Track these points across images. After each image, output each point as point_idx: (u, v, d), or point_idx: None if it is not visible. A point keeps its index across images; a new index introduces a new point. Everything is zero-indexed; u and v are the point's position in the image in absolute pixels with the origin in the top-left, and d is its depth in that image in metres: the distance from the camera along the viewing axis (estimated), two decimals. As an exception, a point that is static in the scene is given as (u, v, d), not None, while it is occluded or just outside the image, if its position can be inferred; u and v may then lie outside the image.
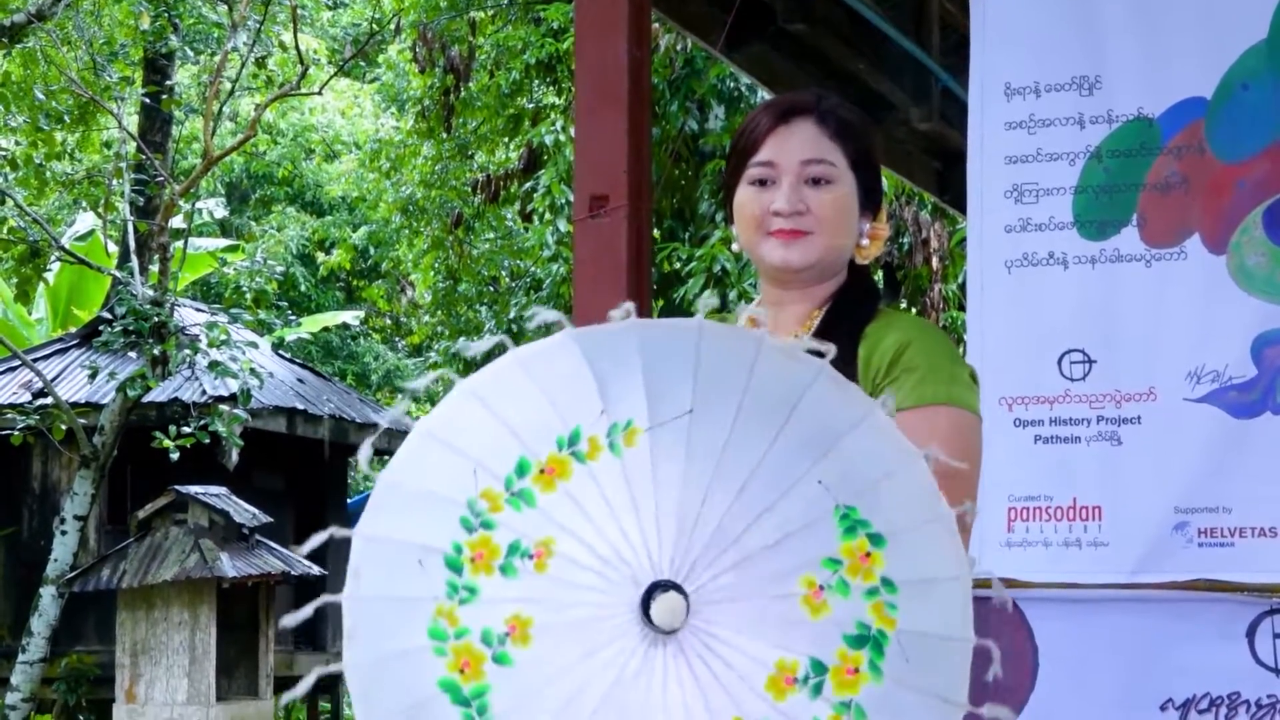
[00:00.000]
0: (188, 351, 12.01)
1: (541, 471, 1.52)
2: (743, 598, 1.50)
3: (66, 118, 13.06)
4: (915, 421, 2.02)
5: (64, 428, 12.20)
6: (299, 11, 13.67)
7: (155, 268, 12.30)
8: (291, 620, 1.63)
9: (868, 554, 1.52)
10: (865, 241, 2.32)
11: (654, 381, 1.54)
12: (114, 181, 13.09)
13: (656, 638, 1.49)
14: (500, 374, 1.59)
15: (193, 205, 14.11)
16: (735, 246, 2.35)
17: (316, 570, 12.92)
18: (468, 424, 1.56)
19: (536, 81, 14.48)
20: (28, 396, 13.24)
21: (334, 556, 15.71)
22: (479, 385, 1.58)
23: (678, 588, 1.49)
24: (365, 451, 1.63)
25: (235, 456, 12.69)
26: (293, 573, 12.39)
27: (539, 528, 1.51)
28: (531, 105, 14.80)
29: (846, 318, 2.26)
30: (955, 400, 2.16)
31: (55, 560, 12.29)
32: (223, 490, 12.50)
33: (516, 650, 1.49)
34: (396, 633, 1.53)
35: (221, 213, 23.09)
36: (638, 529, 1.51)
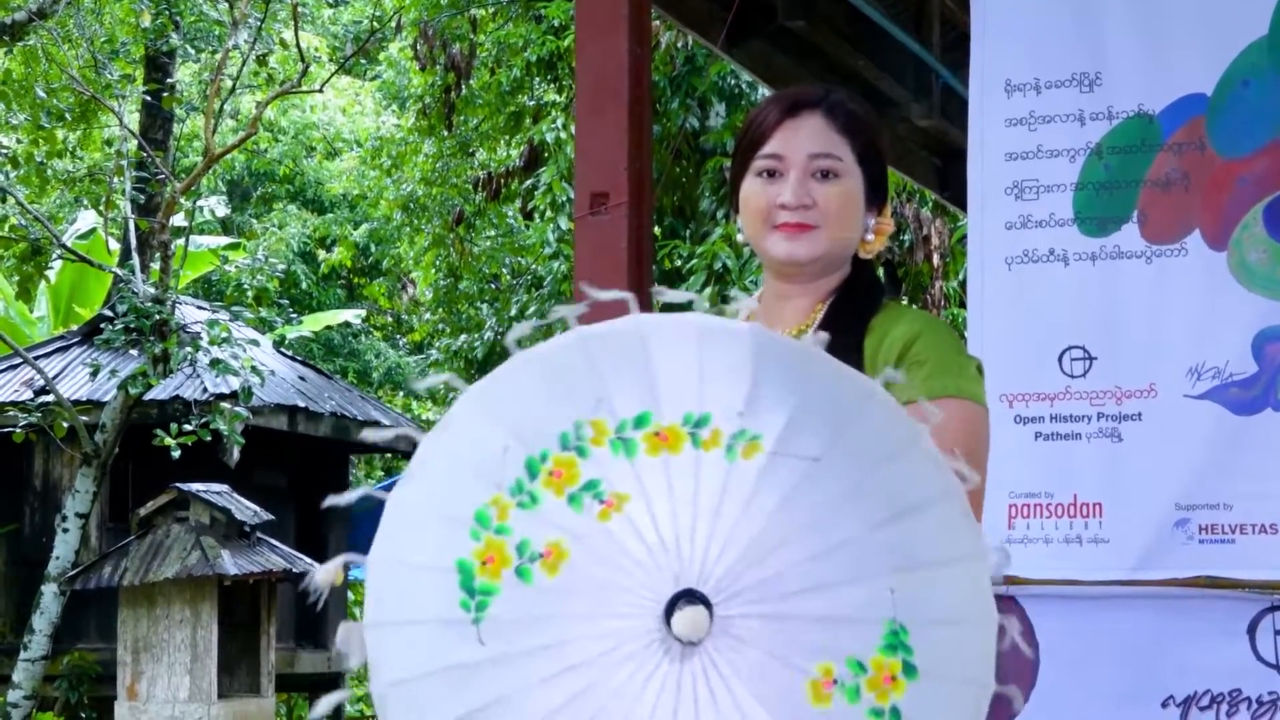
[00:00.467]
0: (189, 349, 12.00)
1: (656, 434, 1.51)
2: (759, 649, 1.49)
3: (68, 115, 13.06)
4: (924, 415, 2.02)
5: (65, 425, 12.20)
6: (300, 9, 13.67)
7: (157, 265, 12.29)
8: (337, 501, 1.62)
9: (893, 678, 1.50)
10: (870, 236, 2.31)
11: (802, 414, 1.52)
12: (115, 179, 13.09)
13: (665, 638, 1.48)
14: (672, 328, 1.57)
15: (194, 203, 14.12)
16: (740, 238, 2.35)
17: (318, 568, 12.90)
18: (618, 356, 1.55)
19: (537, 79, 14.47)
20: (29, 394, 13.23)
21: (335, 554, 15.70)
22: (648, 327, 1.57)
23: (710, 606, 1.47)
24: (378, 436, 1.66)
25: (236, 454, 12.69)
26: (294, 570, 12.40)
27: (623, 481, 1.50)
28: (532, 103, 14.80)
29: (851, 311, 2.26)
30: (964, 393, 2.16)
31: (57, 558, 12.29)
32: (224, 488, 12.49)
33: (540, 574, 1.48)
34: (448, 496, 1.53)
35: (223, 210, 23.10)
36: (706, 535, 1.49)
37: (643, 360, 1.54)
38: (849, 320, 2.22)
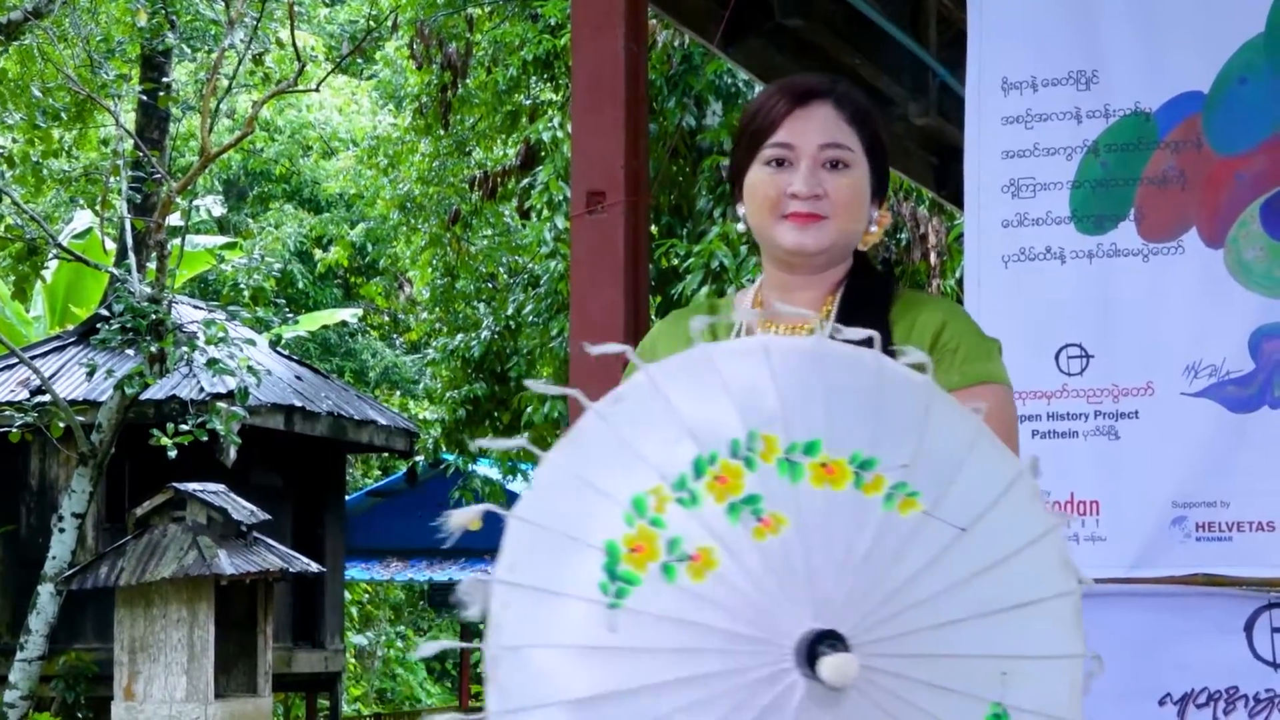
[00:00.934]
0: (185, 349, 12.00)
1: (823, 465, 1.50)
2: (871, 701, 1.49)
3: (64, 115, 13.06)
4: (965, 402, 2.03)
5: (62, 425, 12.20)
6: (296, 8, 13.66)
7: (153, 265, 12.29)
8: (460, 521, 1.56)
9: None
10: (873, 228, 2.31)
11: (960, 484, 1.54)
12: (111, 179, 13.08)
13: (790, 670, 1.46)
14: (852, 363, 1.56)
15: (190, 202, 14.10)
16: (741, 227, 2.33)
17: (315, 567, 12.92)
18: (799, 376, 1.54)
19: (534, 78, 14.46)
20: (26, 394, 13.23)
21: (332, 554, 15.72)
22: (832, 356, 1.56)
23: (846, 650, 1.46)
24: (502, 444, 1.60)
25: (233, 454, 12.69)
26: (291, 570, 12.40)
27: (783, 504, 1.49)
28: (529, 102, 14.78)
29: (868, 301, 2.26)
30: (994, 377, 2.19)
31: (53, 558, 12.29)
32: (221, 487, 12.50)
33: (684, 576, 1.46)
34: (609, 472, 1.50)
35: (219, 210, 23.09)
36: (851, 578, 1.48)
37: (821, 387, 1.53)
38: (869, 312, 2.21)
